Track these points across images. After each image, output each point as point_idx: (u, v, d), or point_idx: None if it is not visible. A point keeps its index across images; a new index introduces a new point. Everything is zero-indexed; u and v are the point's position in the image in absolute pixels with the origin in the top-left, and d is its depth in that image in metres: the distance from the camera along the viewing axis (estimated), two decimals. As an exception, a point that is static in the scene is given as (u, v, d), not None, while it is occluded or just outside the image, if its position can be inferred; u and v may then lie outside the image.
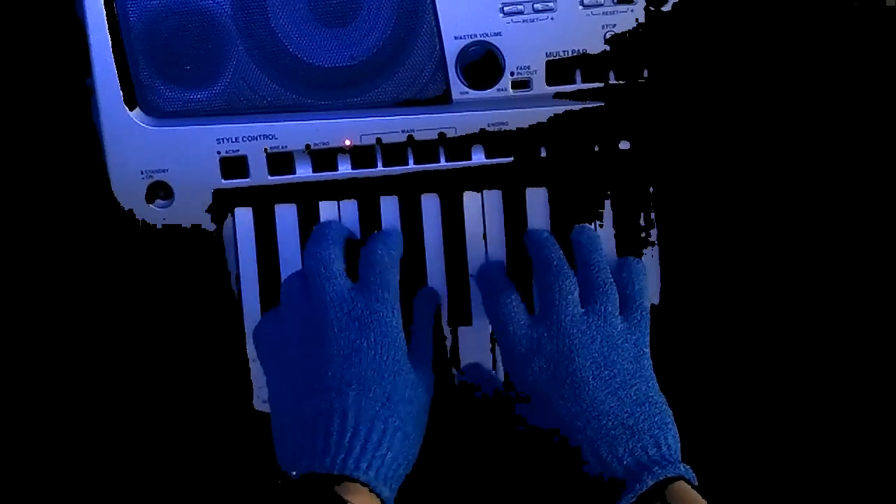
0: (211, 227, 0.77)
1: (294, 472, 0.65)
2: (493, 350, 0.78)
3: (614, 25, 0.75)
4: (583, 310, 0.71)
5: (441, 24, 0.74)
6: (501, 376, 0.78)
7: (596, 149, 0.77)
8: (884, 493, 0.83)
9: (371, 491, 0.64)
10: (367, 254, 0.73)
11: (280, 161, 0.76)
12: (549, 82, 0.76)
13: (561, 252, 0.73)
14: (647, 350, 0.72)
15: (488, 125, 0.76)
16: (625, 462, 0.66)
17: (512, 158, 0.77)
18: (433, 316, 0.76)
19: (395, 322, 0.71)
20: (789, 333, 0.83)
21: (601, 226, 0.78)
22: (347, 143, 0.76)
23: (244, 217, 0.77)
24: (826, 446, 0.83)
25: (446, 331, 0.78)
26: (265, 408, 0.77)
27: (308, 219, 0.77)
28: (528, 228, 0.77)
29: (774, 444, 0.83)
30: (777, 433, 0.83)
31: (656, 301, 0.79)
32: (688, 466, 0.67)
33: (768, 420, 0.83)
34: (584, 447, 0.67)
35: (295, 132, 0.76)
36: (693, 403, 0.78)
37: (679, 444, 0.69)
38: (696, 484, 0.67)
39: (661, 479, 0.65)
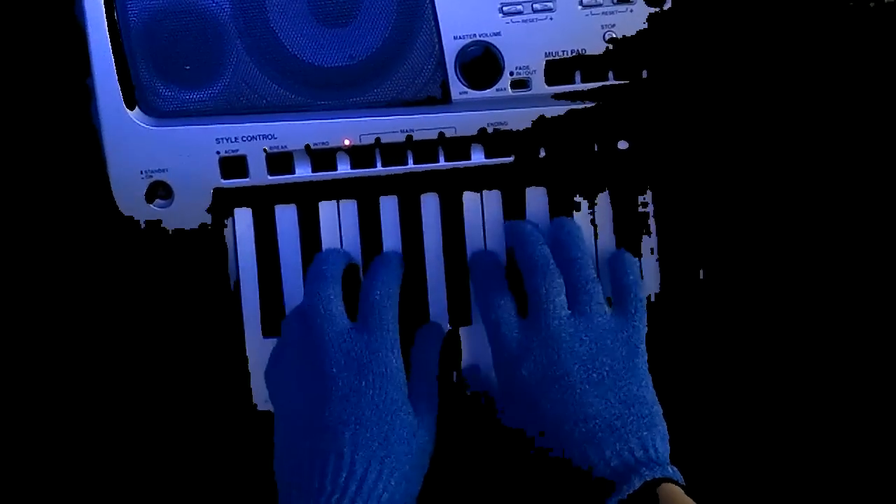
0: (211, 227, 0.77)
1: None
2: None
3: (614, 25, 0.75)
4: (569, 311, 0.71)
5: (440, 24, 0.74)
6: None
7: (595, 148, 0.77)
8: (883, 493, 0.83)
9: None
10: (366, 293, 0.72)
11: (279, 161, 0.76)
12: (549, 82, 0.76)
13: (546, 248, 0.73)
14: (642, 345, 0.71)
15: (488, 125, 0.76)
16: (612, 464, 0.66)
17: (511, 158, 0.77)
18: (437, 354, 0.76)
19: (395, 362, 0.70)
20: (788, 332, 0.82)
21: (600, 224, 0.78)
22: (347, 142, 0.76)
23: (244, 217, 0.78)
24: (824, 447, 0.83)
25: (446, 329, 0.78)
26: (265, 406, 0.77)
27: (308, 219, 0.77)
28: (508, 220, 0.77)
29: (772, 443, 0.83)
30: (775, 432, 0.83)
31: (653, 299, 0.78)
32: (675, 468, 0.67)
33: (767, 419, 0.83)
34: (571, 450, 0.67)
35: (294, 132, 0.76)
36: (691, 401, 0.78)
37: (668, 446, 0.69)
38: (684, 484, 0.67)
39: (647, 480, 0.65)
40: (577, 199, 0.78)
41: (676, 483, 0.66)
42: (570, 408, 0.68)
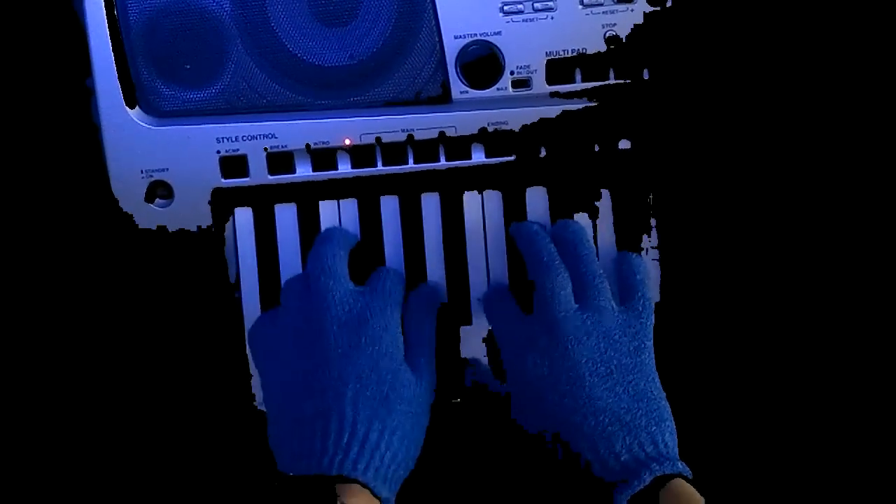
0: (211, 226, 0.77)
1: (293, 474, 0.65)
2: (491, 348, 0.78)
3: (614, 25, 0.75)
4: (577, 305, 0.71)
5: (441, 24, 0.74)
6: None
7: (596, 148, 0.77)
8: (884, 493, 0.83)
9: (370, 492, 0.64)
10: (376, 273, 0.74)
11: (280, 160, 0.76)
12: (549, 82, 0.76)
13: (552, 246, 0.73)
14: (650, 342, 0.71)
15: (488, 124, 0.76)
16: (622, 458, 0.66)
17: (512, 158, 0.77)
18: (434, 313, 0.76)
19: (395, 321, 0.71)
20: (789, 333, 0.82)
21: (600, 226, 0.78)
22: (347, 142, 0.76)
23: (244, 217, 0.77)
24: (826, 444, 0.83)
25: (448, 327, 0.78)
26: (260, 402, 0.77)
27: (308, 218, 0.77)
28: (514, 222, 0.77)
29: (774, 442, 0.83)
30: (777, 431, 0.83)
31: (656, 299, 0.78)
32: (684, 463, 0.67)
33: (768, 418, 0.83)
34: (581, 444, 0.67)
35: (295, 131, 0.76)
36: (693, 401, 0.78)
37: (676, 441, 0.69)
38: (692, 479, 0.67)
39: (658, 475, 0.65)
40: (578, 198, 0.78)
41: (685, 478, 0.66)
42: (579, 401, 0.68)
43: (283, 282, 0.77)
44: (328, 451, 0.65)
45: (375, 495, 0.65)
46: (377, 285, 0.72)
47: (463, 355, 0.78)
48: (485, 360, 0.78)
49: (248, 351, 0.78)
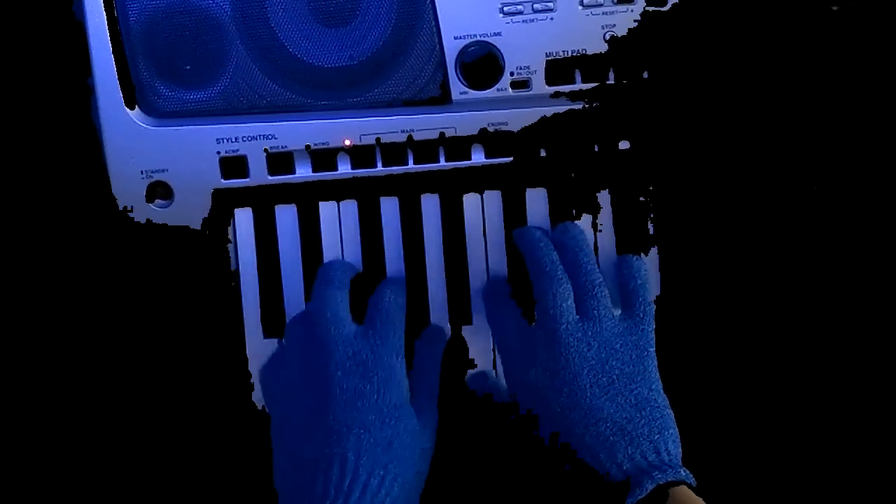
0: (211, 227, 0.77)
1: None
2: (494, 350, 0.78)
3: (614, 25, 0.75)
4: (577, 316, 0.71)
5: (441, 24, 0.74)
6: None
7: (596, 149, 0.77)
8: (884, 493, 0.83)
9: None
10: (375, 299, 0.73)
11: (280, 161, 0.76)
12: (549, 82, 0.76)
13: (554, 254, 0.73)
14: (652, 348, 0.71)
15: (488, 125, 0.76)
16: (624, 468, 0.66)
17: (512, 158, 0.77)
18: (439, 359, 0.76)
19: (399, 367, 0.70)
20: (789, 333, 0.82)
21: (600, 227, 0.78)
22: (347, 142, 0.76)
23: (244, 217, 0.77)
24: (828, 447, 0.83)
25: (447, 330, 0.78)
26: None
27: (308, 219, 0.77)
28: (517, 227, 0.77)
29: (775, 445, 0.83)
30: (778, 433, 0.83)
31: (657, 292, 0.78)
32: (688, 471, 0.67)
33: (769, 420, 0.83)
34: (583, 453, 0.67)
35: (295, 132, 0.76)
36: (694, 403, 0.78)
37: (680, 448, 0.69)
38: (696, 487, 0.67)
39: (660, 483, 0.65)
40: (578, 199, 0.78)
41: (689, 486, 0.66)
42: (580, 412, 0.68)
43: (283, 282, 0.77)
44: (329, 494, 0.65)
45: None
46: (379, 322, 0.71)
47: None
48: (491, 373, 0.78)
49: (248, 349, 0.78)
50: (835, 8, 0.77)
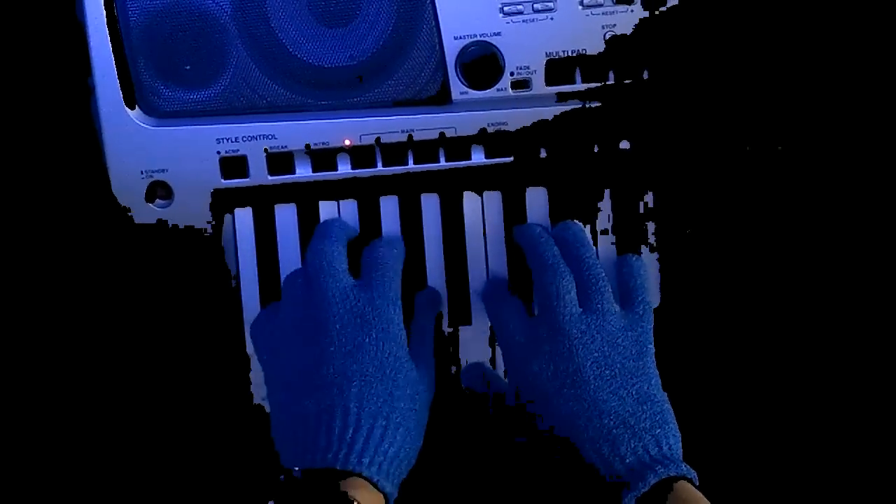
0: (211, 227, 0.77)
1: (296, 469, 0.65)
2: (493, 349, 0.78)
3: (614, 25, 0.75)
4: (581, 309, 0.71)
5: (441, 24, 0.74)
6: (503, 375, 0.78)
7: (596, 149, 0.77)
8: (884, 493, 0.83)
9: (374, 486, 0.64)
10: (369, 252, 0.73)
11: (280, 161, 0.76)
12: (549, 82, 0.76)
13: (556, 248, 0.73)
14: (651, 346, 0.72)
15: (488, 125, 0.76)
16: (627, 461, 0.66)
17: (512, 158, 0.77)
18: (435, 316, 0.76)
19: (397, 319, 0.71)
20: (789, 333, 0.83)
21: (601, 222, 0.78)
22: (347, 142, 0.76)
23: (244, 217, 0.77)
24: (826, 445, 0.83)
25: (446, 330, 0.78)
26: (265, 403, 0.77)
27: (308, 219, 0.77)
28: (518, 224, 0.77)
29: (775, 444, 0.83)
30: (777, 432, 0.83)
31: (657, 301, 0.79)
32: (689, 466, 0.67)
33: (769, 419, 0.83)
34: (585, 447, 0.67)
35: (295, 132, 0.76)
36: (693, 403, 0.78)
37: (680, 443, 0.69)
38: (698, 483, 0.67)
39: (662, 477, 0.65)
40: (578, 199, 0.78)
41: (690, 481, 0.66)
42: (583, 404, 0.68)
43: (282, 278, 0.77)
44: (332, 446, 0.65)
45: (379, 490, 0.65)
46: (375, 274, 0.71)
47: (463, 355, 0.78)
48: (488, 364, 0.78)
49: (248, 349, 0.78)
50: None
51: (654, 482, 0.65)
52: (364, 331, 0.69)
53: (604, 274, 0.72)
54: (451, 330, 0.78)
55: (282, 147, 0.76)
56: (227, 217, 0.77)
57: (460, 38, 0.75)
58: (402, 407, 0.68)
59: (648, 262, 0.77)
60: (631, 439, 0.67)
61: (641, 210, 0.78)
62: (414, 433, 0.68)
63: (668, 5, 0.75)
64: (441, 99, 0.76)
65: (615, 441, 0.67)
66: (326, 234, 0.73)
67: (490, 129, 0.76)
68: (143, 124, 0.75)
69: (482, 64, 0.75)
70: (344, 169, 0.77)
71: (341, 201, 0.77)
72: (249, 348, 0.78)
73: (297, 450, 0.66)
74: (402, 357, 0.69)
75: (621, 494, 0.65)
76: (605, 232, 0.78)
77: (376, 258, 0.72)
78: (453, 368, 0.79)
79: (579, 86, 0.76)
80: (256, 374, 0.78)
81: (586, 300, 0.71)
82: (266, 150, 0.76)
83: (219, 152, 0.76)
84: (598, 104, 0.76)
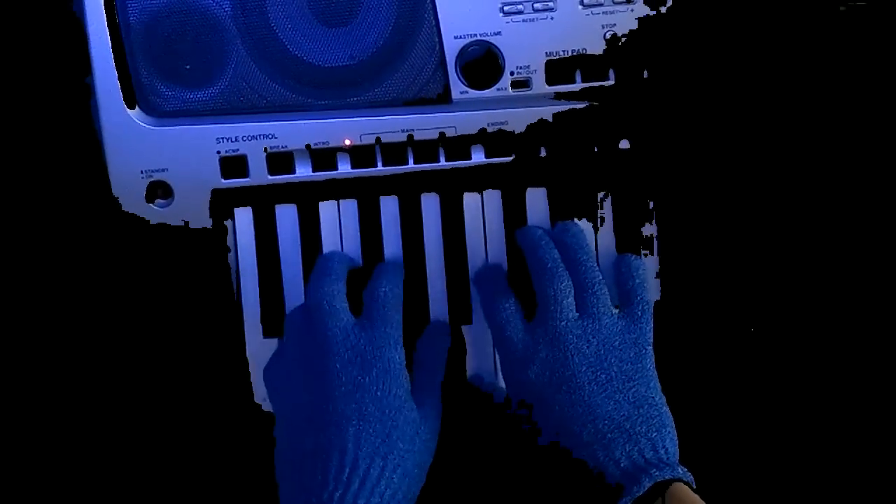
0: (211, 227, 0.77)
1: None
2: (494, 350, 0.78)
3: (614, 25, 0.75)
4: (577, 314, 0.71)
5: (441, 24, 0.74)
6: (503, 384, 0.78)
7: (596, 149, 0.77)
8: (884, 493, 0.83)
9: None
10: (371, 290, 0.73)
11: (280, 161, 0.76)
12: (549, 82, 0.76)
13: (556, 252, 0.73)
14: (650, 347, 0.72)
15: (488, 125, 0.76)
16: (622, 465, 0.66)
17: (512, 158, 0.77)
18: (444, 353, 0.76)
19: (398, 359, 0.70)
20: (789, 333, 0.83)
21: (601, 222, 0.78)
22: (347, 142, 0.76)
23: (244, 217, 0.77)
24: (826, 448, 0.83)
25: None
26: (266, 403, 0.77)
27: (308, 219, 0.77)
28: (519, 227, 0.77)
29: (775, 445, 0.83)
30: (777, 433, 0.83)
31: (657, 300, 0.78)
32: (686, 469, 0.67)
33: (769, 420, 0.83)
34: (581, 451, 0.67)
35: (295, 132, 0.76)
36: (693, 403, 0.78)
37: (677, 447, 0.69)
38: (694, 486, 0.67)
39: (658, 481, 0.65)
40: (578, 199, 0.78)
41: (686, 484, 0.66)
42: (578, 408, 0.68)
43: (283, 282, 0.77)
44: (329, 485, 0.65)
45: None
46: (376, 313, 0.71)
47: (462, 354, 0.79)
48: (489, 374, 0.78)
49: (247, 350, 0.78)
50: (842, 8, 0.77)
51: (649, 485, 0.65)
52: (364, 370, 0.69)
53: (601, 278, 0.72)
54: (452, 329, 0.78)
55: (282, 147, 0.76)
56: (228, 217, 0.77)
57: (460, 37, 0.75)
58: (401, 448, 0.68)
59: (648, 262, 0.77)
60: (626, 443, 0.67)
61: (641, 210, 0.78)
62: (413, 474, 0.68)
63: (668, 5, 0.75)
64: (441, 99, 0.76)
65: (610, 445, 0.67)
66: (326, 272, 0.73)
67: (490, 129, 0.76)
68: (143, 124, 0.75)
69: (482, 63, 0.75)
70: (344, 169, 0.77)
71: (341, 201, 0.77)
72: (250, 348, 0.78)
73: (294, 488, 0.67)
74: (402, 397, 0.69)
75: (617, 498, 0.65)
76: (604, 231, 0.78)
77: (378, 296, 0.72)
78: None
79: (579, 85, 0.76)
80: (257, 378, 0.78)
81: (583, 304, 0.71)
82: (266, 149, 0.76)
83: (219, 152, 0.76)
84: (598, 104, 0.76)
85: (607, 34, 0.75)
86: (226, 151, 0.76)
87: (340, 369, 0.69)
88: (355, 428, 0.67)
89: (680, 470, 0.67)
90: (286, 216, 0.77)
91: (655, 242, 0.78)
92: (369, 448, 0.67)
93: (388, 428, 0.68)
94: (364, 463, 0.66)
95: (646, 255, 0.78)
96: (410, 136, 0.76)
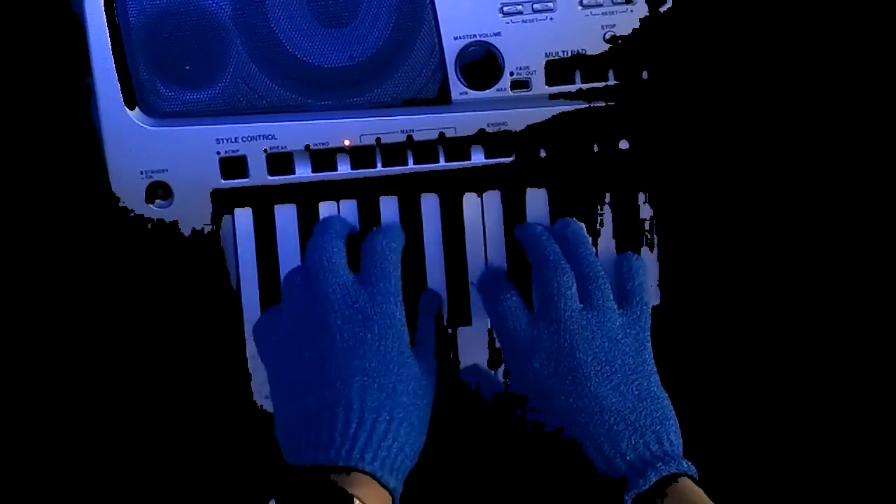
0: (210, 227, 0.77)
1: (300, 465, 0.65)
2: (491, 349, 0.78)
3: (614, 25, 0.75)
4: (581, 305, 0.71)
5: (440, 25, 0.74)
6: (501, 377, 0.78)
7: (595, 149, 0.77)
8: (884, 493, 0.83)
9: (377, 482, 0.64)
10: (367, 246, 0.73)
11: (279, 161, 0.76)
12: (549, 82, 0.76)
13: (556, 246, 0.73)
14: (649, 344, 0.72)
15: (488, 125, 0.76)
16: (628, 458, 0.66)
17: (511, 159, 0.77)
18: (437, 314, 0.76)
19: (399, 314, 0.70)
20: (789, 332, 0.83)
21: (601, 222, 0.78)
22: (347, 143, 0.76)
23: (244, 217, 0.77)
24: (826, 443, 0.83)
25: (448, 330, 0.78)
26: (266, 403, 0.77)
27: (308, 219, 0.77)
28: (519, 223, 0.77)
29: (774, 442, 0.83)
30: (777, 431, 0.83)
31: (656, 301, 0.79)
32: (689, 462, 0.67)
33: (768, 419, 0.83)
34: (586, 443, 0.67)
35: (294, 132, 0.76)
36: (693, 402, 0.78)
37: (681, 440, 0.69)
38: (698, 479, 0.67)
39: (664, 474, 0.65)
40: (578, 199, 0.78)
41: (691, 477, 0.66)
42: (584, 400, 0.68)
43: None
44: (335, 441, 0.65)
45: (383, 485, 0.65)
46: (375, 269, 0.71)
47: (462, 356, 0.78)
48: (484, 366, 0.78)
49: (248, 349, 0.78)
50: None
51: (656, 479, 0.65)
52: (366, 326, 0.69)
53: (603, 272, 0.72)
54: (451, 331, 0.78)
55: (281, 147, 0.76)
56: (226, 217, 0.77)
57: (460, 38, 0.75)
58: (405, 402, 0.68)
59: (648, 262, 0.77)
60: (632, 436, 0.67)
61: (641, 210, 0.78)
62: (417, 428, 0.68)
63: (668, 5, 0.75)
64: (441, 99, 0.76)
65: (616, 437, 0.67)
66: (325, 231, 0.73)
67: (490, 130, 0.76)
68: (142, 124, 0.75)
69: (482, 64, 0.75)
70: (344, 169, 0.77)
71: (341, 201, 0.77)
72: (250, 349, 0.78)
73: (300, 447, 0.66)
74: (404, 352, 0.69)
75: (622, 491, 0.65)
76: (604, 232, 0.78)
77: (375, 252, 0.72)
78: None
79: (579, 86, 0.76)
80: (257, 375, 0.78)
81: (586, 297, 0.71)
82: (266, 150, 0.76)
83: (219, 152, 0.76)
84: (598, 104, 0.76)
85: (607, 34, 0.75)
86: (225, 152, 0.76)
87: (342, 326, 0.69)
88: (359, 383, 0.67)
89: (685, 464, 0.67)
90: (286, 217, 0.78)
91: (655, 242, 0.78)
92: (374, 402, 0.66)
93: (392, 382, 0.68)
94: (370, 417, 0.66)
95: (645, 255, 0.78)
96: (410, 137, 0.76)
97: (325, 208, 0.77)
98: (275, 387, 0.72)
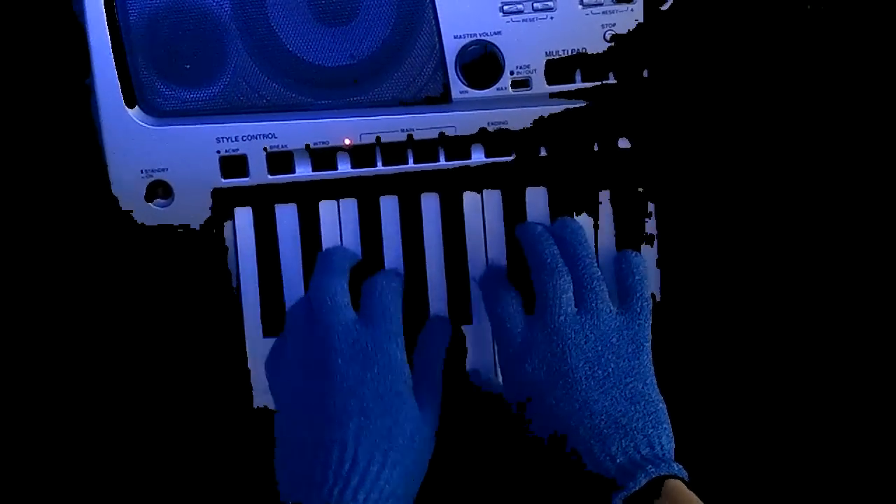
0: (210, 226, 0.77)
1: (291, 502, 0.66)
2: (494, 349, 0.78)
3: (614, 25, 0.75)
4: (576, 309, 0.71)
5: (441, 24, 0.74)
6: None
7: (595, 148, 0.77)
8: (884, 493, 0.83)
9: None
10: (370, 285, 0.73)
11: (280, 160, 0.76)
12: (549, 81, 0.76)
13: (555, 248, 0.73)
14: (648, 343, 0.72)
15: (488, 124, 0.76)
16: (618, 461, 0.66)
17: (512, 158, 0.77)
18: (443, 350, 0.76)
19: (400, 354, 0.71)
20: (789, 332, 0.83)
21: (600, 226, 0.78)
22: (347, 142, 0.76)
23: (244, 216, 0.77)
24: (825, 446, 0.83)
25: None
26: (266, 402, 0.77)
27: (308, 218, 0.77)
28: (519, 222, 0.77)
29: (773, 443, 0.83)
30: (776, 432, 0.83)
31: (657, 299, 0.78)
32: (681, 465, 0.67)
33: (767, 419, 0.83)
34: (577, 446, 0.67)
35: (295, 131, 0.76)
36: (692, 401, 0.78)
37: (673, 443, 0.69)
38: (688, 482, 0.67)
39: (653, 477, 0.65)
40: (578, 198, 0.78)
41: (682, 480, 0.66)
42: (575, 404, 0.68)
43: (283, 282, 0.77)
44: (328, 480, 0.65)
45: None
46: (376, 309, 0.71)
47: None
48: (486, 371, 0.78)
49: (247, 350, 0.78)
50: (809, 7, 0.78)
51: (645, 482, 0.65)
52: (366, 366, 0.69)
53: (599, 273, 0.72)
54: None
55: (282, 146, 0.76)
56: (228, 217, 0.77)
57: (460, 37, 0.75)
58: (401, 444, 0.68)
59: (648, 261, 0.77)
60: (622, 439, 0.67)
61: (641, 208, 0.78)
62: (412, 472, 0.68)
63: (668, 5, 0.75)
64: (441, 98, 0.76)
65: (606, 441, 0.67)
66: (328, 268, 0.73)
67: (490, 129, 0.76)
68: (142, 123, 0.75)
69: (482, 63, 0.75)
70: (344, 168, 0.77)
71: (341, 201, 0.78)
72: (250, 348, 0.78)
73: (293, 483, 0.67)
74: (403, 393, 0.69)
75: (611, 493, 0.65)
76: (604, 230, 0.78)
77: (377, 291, 0.72)
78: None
79: (579, 85, 0.76)
80: (257, 377, 0.78)
81: (581, 300, 0.71)
82: (266, 149, 0.76)
83: (219, 152, 0.76)
84: (598, 103, 0.76)
85: (607, 34, 0.75)
86: (226, 151, 0.76)
87: (342, 365, 0.69)
88: (356, 423, 0.67)
89: (675, 466, 0.67)
90: (286, 216, 0.78)
91: (655, 241, 0.78)
92: (369, 444, 0.67)
93: (388, 424, 0.68)
94: (364, 458, 0.66)
95: (645, 253, 0.78)
96: (410, 136, 0.76)
97: (326, 208, 0.77)
98: (278, 421, 0.72)
